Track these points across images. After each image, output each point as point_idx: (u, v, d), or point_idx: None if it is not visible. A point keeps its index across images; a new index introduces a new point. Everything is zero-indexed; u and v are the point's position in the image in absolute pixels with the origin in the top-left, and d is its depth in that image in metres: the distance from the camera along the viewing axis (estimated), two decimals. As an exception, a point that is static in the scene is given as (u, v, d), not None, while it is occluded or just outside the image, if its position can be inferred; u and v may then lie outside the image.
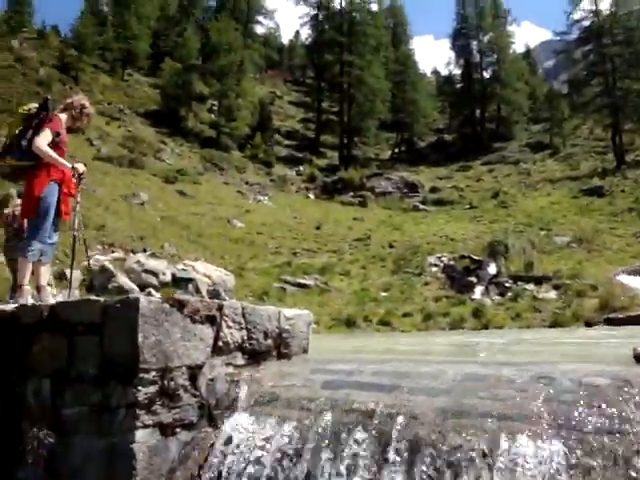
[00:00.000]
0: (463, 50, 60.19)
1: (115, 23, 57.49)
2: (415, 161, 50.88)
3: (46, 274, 5.03)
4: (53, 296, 5.61)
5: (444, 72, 67.29)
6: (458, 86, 61.17)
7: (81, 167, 4.96)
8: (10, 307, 3.61)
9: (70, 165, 4.87)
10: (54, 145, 4.82)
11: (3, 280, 7.52)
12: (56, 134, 4.82)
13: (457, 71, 61.94)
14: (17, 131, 4.88)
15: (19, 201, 6.39)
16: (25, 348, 3.34)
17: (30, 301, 4.54)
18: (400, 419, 2.57)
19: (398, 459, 2.45)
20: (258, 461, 2.78)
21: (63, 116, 4.99)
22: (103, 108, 40.47)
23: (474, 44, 59.99)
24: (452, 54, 61.79)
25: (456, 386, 2.75)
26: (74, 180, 5.01)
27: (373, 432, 2.60)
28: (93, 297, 3.04)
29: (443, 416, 2.49)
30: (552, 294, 13.55)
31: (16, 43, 49.69)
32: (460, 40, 60.35)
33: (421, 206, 37.43)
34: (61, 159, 4.82)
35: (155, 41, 61.09)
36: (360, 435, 2.62)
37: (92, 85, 45.50)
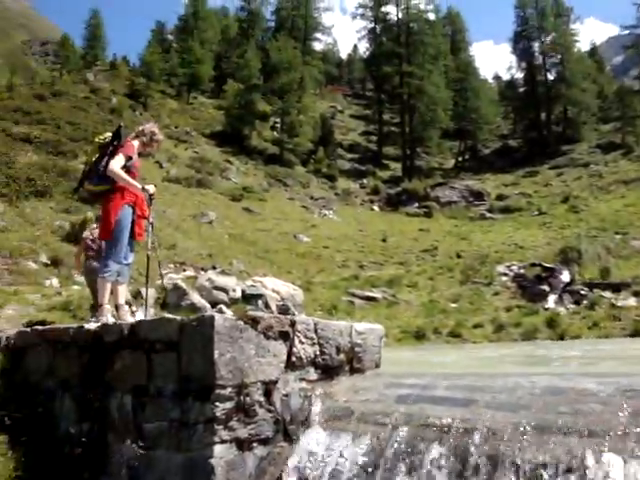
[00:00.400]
0: (525, 53, 58.68)
1: (179, 49, 59.85)
2: (480, 169, 49.86)
3: (124, 293, 5.24)
4: (133, 313, 5.82)
5: (506, 77, 65.77)
6: (521, 90, 59.61)
7: (151, 188, 5.16)
8: (93, 326, 3.77)
9: (141, 187, 5.07)
10: (127, 169, 5.06)
11: (86, 300, 7.89)
12: (128, 159, 5.06)
13: (519, 75, 60.47)
14: (94, 159, 5.17)
15: (96, 225, 6.72)
16: (108, 365, 3.48)
17: (110, 320, 4.73)
18: (477, 434, 2.51)
19: (477, 475, 2.40)
20: (334, 476, 2.78)
21: (135, 142, 5.22)
22: (171, 131, 41.94)
23: (536, 46, 58.40)
24: (513, 58, 60.47)
25: (535, 400, 2.67)
26: (146, 202, 5.22)
27: (450, 447, 2.55)
28: (170, 316, 3.15)
29: (523, 432, 2.41)
30: (632, 301, 12.87)
31: (91, 75, 52.72)
32: (521, 43, 58.87)
33: (488, 214, 36.58)
34: (133, 181, 5.04)
35: (218, 64, 63.05)
36: (436, 450, 2.58)
37: (160, 110, 47.33)
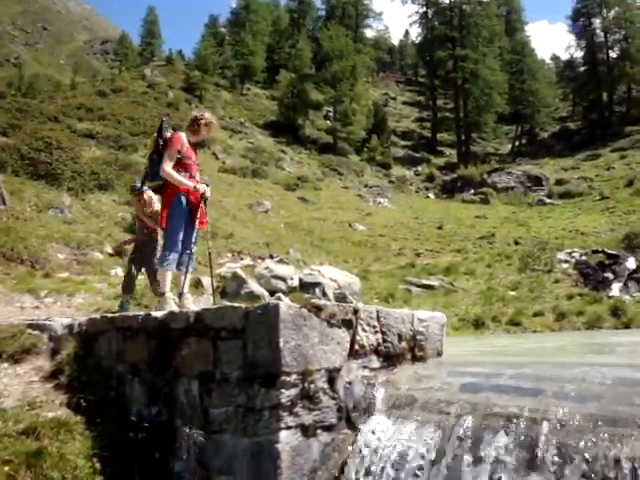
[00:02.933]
0: (585, 30, 56.27)
1: (232, 42, 60.65)
2: (538, 153, 48.38)
3: (187, 282, 5.38)
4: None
5: (564, 57, 63.30)
6: (581, 69, 57.25)
7: (202, 188, 5.21)
8: (160, 314, 3.89)
9: (193, 185, 5.16)
10: (178, 162, 5.18)
11: (148, 288, 8.14)
12: (177, 152, 5.17)
13: (579, 54, 58.11)
14: (150, 155, 5.36)
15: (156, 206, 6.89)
16: (174, 351, 3.59)
17: (174, 308, 4.87)
18: (546, 425, 2.46)
19: (546, 467, 2.35)
20: (398, 464, 2.78)
21: (182, 134, 5.32)
22: (225, 123, 42.60)
23: (597, 22, 55.94)
24: (572, 36, 58.15)
25: (606, 391, 2.58)
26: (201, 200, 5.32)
27: (517, 438, 2.50)
28: (235, 304, 3.20)
29: (594, 424, 2.34)
30: (703, 288, 12.26)
31: (148, 71, 54.15)
32: (581, 20, 56.49)
33: (547, 200, 35.48)
34: (184, 180, 5.13)
35: (270, 55, 63.53)
36: (503, 440, 2.54)
37: (215, 102, 48.12)
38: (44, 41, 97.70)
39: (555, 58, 73.50)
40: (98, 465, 3.52)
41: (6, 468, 3.23)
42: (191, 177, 5.22)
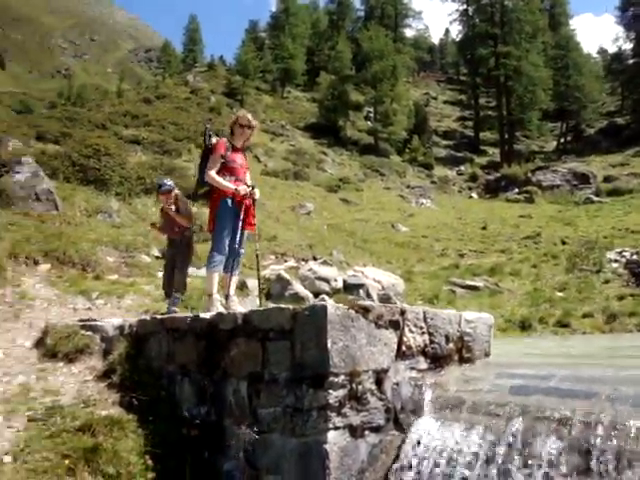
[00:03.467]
0: (634, 21, 54.32)
1: (272, 46, 61.23)
2: (584, 150, 47.03)
3: (234, 284, 5.47)
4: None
5: (612, 49, 61.33)
6: (630, 62, 55.33)
7: (242, 190, 5.27)
8: (208, 315, 3.97)
9: (234, 187, 5.24)
10: (224, 167, 5.30)
11: (195, 290, 8.29)
12: (220, 157, 5.29)
13: (628, 46, 56.18)
14: (200, 163, 5.55)
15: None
16: (223, 352, 3.66)
17: (221, 309, 4.96)
18: (600, 429, 2.40)
19: (601, 473, 2.29)
20: (446, 466, 2.76)
21: (225, 139, 5.43)
22: (267, 126, 43.00)
23: (647, 12, 53.98)
24: (620, 28, 56.31)
25: (663, 394, 2.51)
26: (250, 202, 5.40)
27: (569, 442, 2.45)
28: (282, 305, 3.24)
29: (652, 427, 2.28)
30: None
31: (191, 77, 55.29)
32: (630, 10, 54.57)
33: (594, 198, 34.44)
34: (226, 183, 5.24)
35: (310, 57, 63.84)
36: (555, 444, 2.49)
37: (256, 106, 48.61)
38: (91, 51, 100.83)
39: (602, 51, 71.30)
40: (150, 462, 3.63)
41: (66, 461, 3.37)
42: (237, 180, 5.30)
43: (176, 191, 6.92)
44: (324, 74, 52.34)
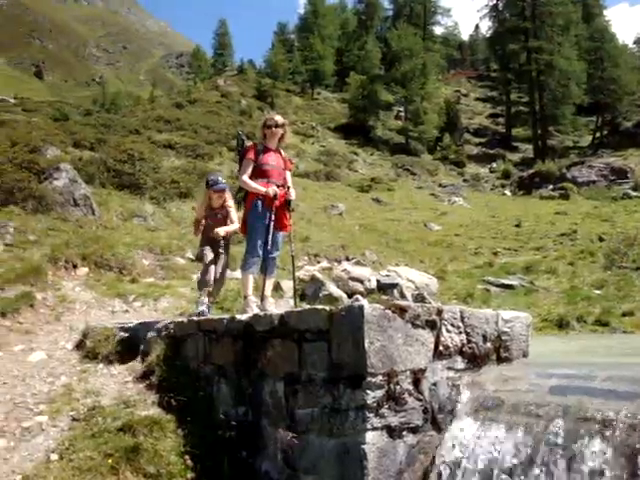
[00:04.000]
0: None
1: (301, 48, 61.41)
2: (621, 144, 45.80)
3: (270, 286, 5.50)
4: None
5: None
6: (669, 51, 53.84)
7: (272, 191, 5.27)
8: (244, 317, 4.00)
9: (264, 190, 5.26)
10: (256, 170, 5.36)
11: (230, 292, 8.37)
12: (251, 161, 5.36)
13: (666, 35, 54.49)
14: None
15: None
16: (259, 353, 3.69)
17: (256, 310, 4.99)
18: (645, 431, 2.34)
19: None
20: (486, 467, 2.73)
21: (254, 143, 5.51)
22: (297, 127, 43.17)
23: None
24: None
25: None
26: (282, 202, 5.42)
27: (615, 444, 2.39)
28: (318, 306, 3.25)
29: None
30: None
31: (221, 81, 55.83)
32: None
33: (633, 193, 33.52)
34: (256, 185, 5.29)
35: (339, 58, 63.81)
36: (599, 446, 2.43)
37: (286, 107, 48.83)
38: (124, 59, 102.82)
39: (639, 42, 69.42)
40: (189, 462, 3.68)
41: (109, 461, 3.44)
42: (268, 182, 5.33)
43: (228, 190, 6.44)
44: (353, 74, 52.19)
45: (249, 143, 5.52)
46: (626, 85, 50.66)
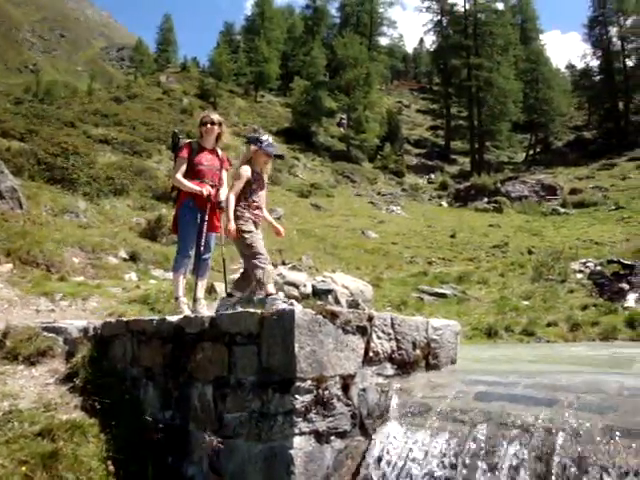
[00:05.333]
0: (601, 39, 56.02)
1: (247, 49, 61.10)
2: (552, 162, 48.07)
3: (202, 287, 5.41)
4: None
5: (580, 65, 63.01)
6: (597, 79, 56.93)
7: (205, 191, 5.19)
8: (175, 318, 3.92)
9: (198, 189, 5.19)
10: (191, 167, 5.26)
11: (162, 293, 8.19)
12: (184, 160, 5.26)
13: (594, 62, 57.78)
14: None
15: None
16: (189, 356, 3.62)
17: (187, 312, 4.89)
18: (561, 435, 2.43)
19: (561, 478, 2.33)
20: (411, 472, 2.77)
21: (189, 141, 5.41)
22: (239, 129, 42.80)
23: (614, 31, 55.66)
24: (587, 45, 57.90)
25: (624, 402, 2.56)
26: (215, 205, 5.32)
27: (532, 448, 2.48)
28: (250, 309, 3.22)
29: (611, 435, 2.32)
30: None
31: (163, 78, 54.70)
32: (597, 28, 56.25)
33: (561, 209, 35.23)
34: (187, 184, 5.19)
35: (284, 62, 63.91)
36: (518, 450, 2.52)
37: (229, 109, 48.39)
38: (62, 48, 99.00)
39: (571, 67, 73.11)
40: (112, 467, 3.55)
41: (23, 468, 3.27)
42: (201, 182, 5.25)
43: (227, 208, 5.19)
44: (298, 79, 52.38)
45: (185, 141, 5.42)
46: (558, 107, 53.29)
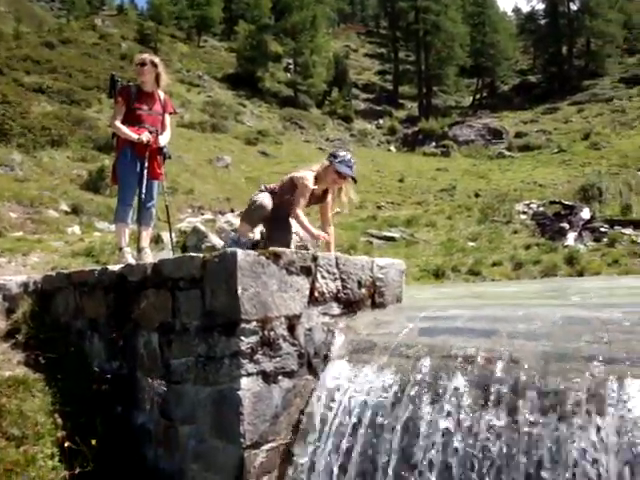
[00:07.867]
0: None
1: (188, -9, 58.29)
2: (498, 106, 48.67)
3: (147, 237, 5.29)
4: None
5: (525, 9, 63.20)
6: (542, 22, 57.24)
7: (145, 138, 5.02)
8: (117, 267, 3.83)
9: (137, 137, 5.01)
10: (130, 112, 5.08)
11: (107, 245, 8.00)
12: (123, 104, 5.08)
13: (540, 6, 57.97)
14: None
15: None
16: (133, 304, 3.56)
17: (131, 261, 4.79)
18: (500, 364, 2.52)
19: (499, 404, 2.42)
20: (358, 407, 2.83)
21: (129, 84, 5.24)
22: (182, 76, 41.37)
23: (559, -27, 55.68)
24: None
25: (557, 330, 2.67)
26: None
27: (473, 377, 2.57)
28: (192, 254, 3.16)
29: (545, 360, 2.41)
30: (654, 237, 12.70)
31: (99, 21, 51.68)
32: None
33: (507, 153, 35.98)
34: (126, 130, 5.01)
35: (228, 5, 61.41)
36: (460, 380, 2.60)
37: (171, 54, 46.47)
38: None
39: (517, 10, 73.35)
40: (60, 420, 3.50)
41: (-37, 426, 3.20)
42: (141, 127, 5.06)
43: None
44: (242, 23, 50.58)
45: (123, 85, 5.18)
46: (504, 50, 53.50)
